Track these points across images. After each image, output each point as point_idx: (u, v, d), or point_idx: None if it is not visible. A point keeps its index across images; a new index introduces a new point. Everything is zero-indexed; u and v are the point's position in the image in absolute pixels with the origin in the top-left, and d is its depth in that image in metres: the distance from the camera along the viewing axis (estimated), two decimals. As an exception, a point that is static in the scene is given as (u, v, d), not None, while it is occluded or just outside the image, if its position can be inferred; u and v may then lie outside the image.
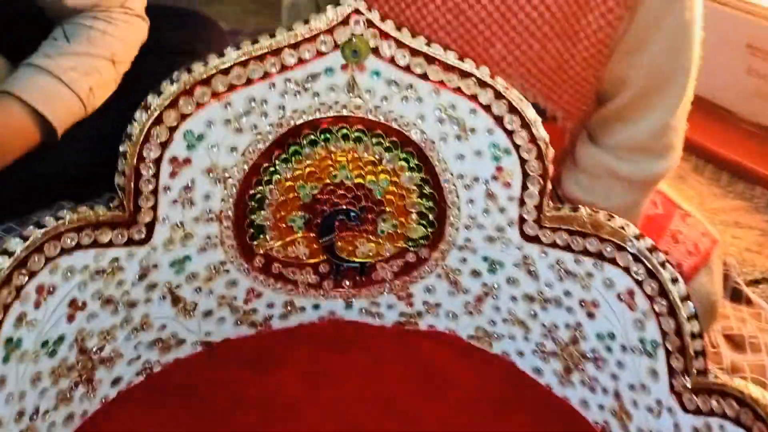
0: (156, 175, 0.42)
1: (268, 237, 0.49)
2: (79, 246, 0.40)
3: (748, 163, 1.07)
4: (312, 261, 0.51)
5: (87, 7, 0.81)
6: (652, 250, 0.41)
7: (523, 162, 0.45)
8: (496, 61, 0.53)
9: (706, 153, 1.05)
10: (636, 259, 0.42)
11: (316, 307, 0.53)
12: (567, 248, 0.45)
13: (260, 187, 0.47)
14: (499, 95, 0.43)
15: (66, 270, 0.40)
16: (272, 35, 0.41)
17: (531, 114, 0.43)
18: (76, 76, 0.77)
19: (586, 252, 0.45)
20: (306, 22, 0.42)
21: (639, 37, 0.54)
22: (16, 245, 0.36)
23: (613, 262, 0.44)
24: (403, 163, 0.47)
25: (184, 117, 0.42)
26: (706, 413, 0.39)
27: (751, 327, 0.71)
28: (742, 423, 0.36)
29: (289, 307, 0.53)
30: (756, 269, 0.86)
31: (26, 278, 0.37)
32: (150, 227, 0.44)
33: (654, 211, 0.69)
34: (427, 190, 0.48)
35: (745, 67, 1.13)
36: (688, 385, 0.40)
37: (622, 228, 0.43)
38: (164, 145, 0.42)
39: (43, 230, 0.38)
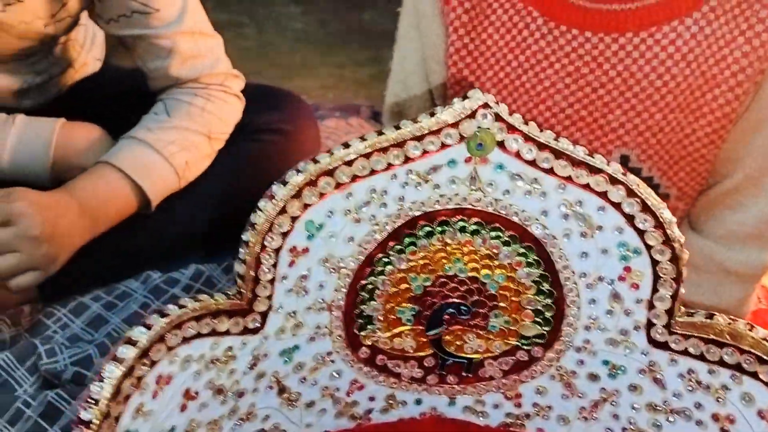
0: (275, 264, 0.42)
1: (375, 328, 0.48)
2: (198, 335, 0.39)
3: None
4: (418, 354, 0.49)
5: (189, 78, 0.84)
6: (803, 365, 0.38)
7: (654, 263, 0.42)
8: (613, 128, 0.52)
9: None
10: (784, 374, 0.39)
11: (418, 402, 0.51)
12: (701, 357, 0.42)
13: (372, 278, 0.46)
14: (631, 193, 0.41)
15: (184, 359, 0.39)
16: (397, 127, 0.41)
17: (667, 214, 0.41)
18: (175, 149, 0.80)
19: (722, 363, 0.41)
20: (432, 114, 0.41)
21: (760, 115, 0.52)
22: (141, 335, 0.36)
23: (754, 375, 0.40)
24: (521, 258, 0.45)
25: (306, 207, 0.41)
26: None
27: None
28: None
29: (390, 401, 0.51)
30: None
31: (147, 368, 0.37)
32: (264, 316, 0.43)
33: (758, 305, 0.65)
34: (545, 286, 0.46)
35: None
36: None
37: (766, 339, 0.40)
38: (285, 235, 0.41)
39: (166, 319, 0.37)
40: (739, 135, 0.53)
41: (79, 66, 0.92)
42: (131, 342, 0.36)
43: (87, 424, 0.33)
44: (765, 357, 0.40)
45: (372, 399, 0.50)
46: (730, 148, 0.54)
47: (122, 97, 0.96)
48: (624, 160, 0.55)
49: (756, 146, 0.53)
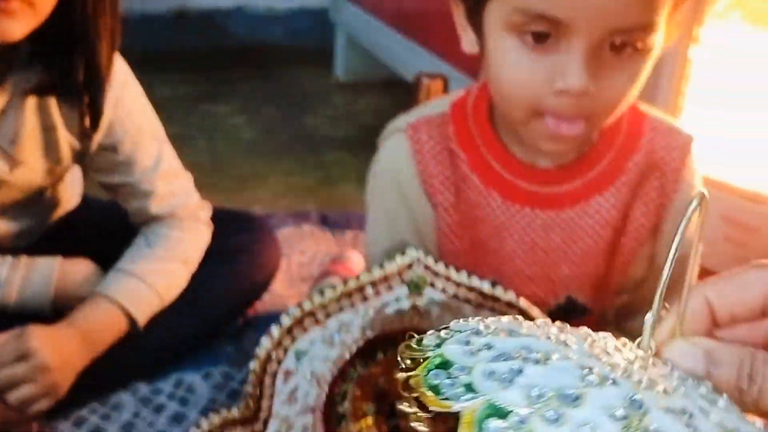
0: (273, 384, 0.57)
1: (347, 422, 0.63)
2: None
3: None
4: (380, 440, 0.65)
5: (166, 215, 0.99)
6: None
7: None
8: (561, 279, 0.69)
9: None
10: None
11: (383, 479, 0.66)
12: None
13: (344, 385, 0.61)
14: (522, 312, 0.59)
15: None
16: (357, 278, 0.58)
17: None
18: (156, 278, 0.94)
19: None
20: (381, 266, 0.58)
21: (656, 250, 0.70)
22: None
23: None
24: (452, 363, 0.62)
25: (294, 339, 0.57)
26: None
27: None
28: None
29: (361, 480, 0.65)
30: None
31: None
32: (266, 422, 0.58)
33: None
34: (471, 382, 0.62)
35: (721, 235, 1.31)
36: None
37: None
38: (280, 362, 0.57)
39: (199, 430, 0.52)
40: (638, 264, 0.72)
41: (65, 203, 1.05)
42: None
43: None
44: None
45: None
46: (631, 273, 0.72)
47: (101, 227, 1.09)
48: (569, 299, 0.73)
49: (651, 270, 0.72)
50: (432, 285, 0.59)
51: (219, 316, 1.08)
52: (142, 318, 0.94)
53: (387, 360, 0.62)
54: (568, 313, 0.73)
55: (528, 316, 0.58)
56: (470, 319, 0.55)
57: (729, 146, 1.25)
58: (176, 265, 0.98)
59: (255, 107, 2.47)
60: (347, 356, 0.60)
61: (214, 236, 1.06)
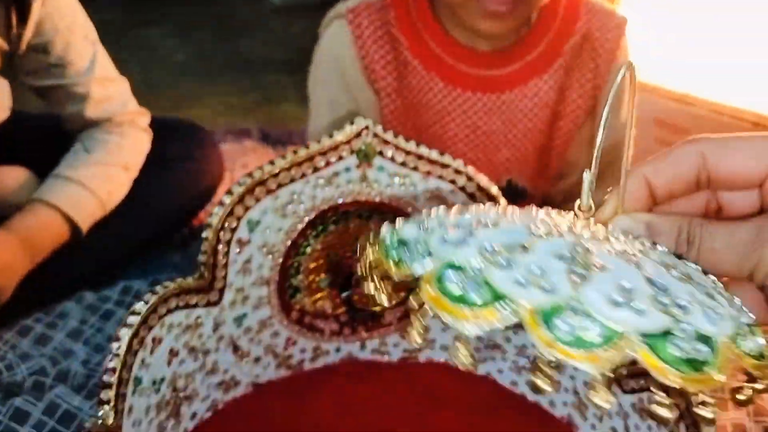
0: (227, 253, 0.57)
1: (301, 296, 0.64)
2: (177, 307, 0.54)
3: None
4: (335, 313, 0.66)
5: (102, 120, 0.97)
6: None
7: (490, 225, 0.62)
8: (501, 162, 0.71)
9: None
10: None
11: (337, 350, 0.68)
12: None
13: (297, 257, 0.62)
14: (470, 178, 0.60)
15: (168, 325, 0.54)
16: (307, 147, 0.58)
17: (495, 190, 0.60)
18: (97, 183, 0.93)
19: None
20: (330, 136, 0.58)
21: (591, 132, 0.73)
22: (142, 307, 0.50)
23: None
24: (402, 232, 0.64)
25: (247, 209, 0.57)
26: (638, 390, 0.55)
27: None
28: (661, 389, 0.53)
29: (317, 351, 0.67)
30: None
31: (146, 332, 0.51)
32: (221, 292, 0.58)
33: None
34: (420, 251, 0.64)
35: (653, 138, 1.37)
36: (625, 372, 0.56)
37: None
38: (233, 231, 0.57)
39: (157, 296, 0.52)
40: (576, 147, 0.75)
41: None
42: (135, 312, 0.50)
43: (113, 371, 0.47)
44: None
45: (303, 351, 0.66)
46: (570, 157, 0.75)
47: (35, 140, 1.06)
48: (510, 183, 0.75)
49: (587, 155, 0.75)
50: (381, 154, 0.60)
51: (164, 223, 1.07)
52: (84, 223, 0.92)
53: (339, 232, 0.63)
54: (509, 196, 0.75)
55: (475, 183, 0.60)
56: (417, 186, 0.56)
57: (658, 50, 1.28)
58: (116, 170, 0.96)
59: (188, 31, 2.39)
60: (299, 227, 0.61)
61: (154, 144, 1.05)
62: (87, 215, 0.91)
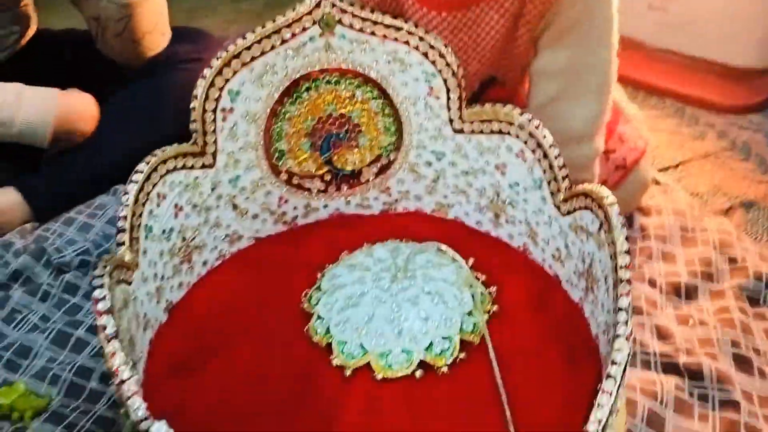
0: (214, 121, 0.66)
1: (287, 158, 0.74)
2: (176, 168, 0.64)
3: (656, 81, 1.32)
4: (319, 173, 0.76)
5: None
6: (529, 121, 0.66)
7: (445, 81, 0.69)
8: (474, 72, 0.76)
9: (624, 77, 1.30)
10: (521, 128, 0.67)
11: (325, 206, 0.77)
12: (482, 132, 0.70)
13: (278, 123, 0.71)
14: (422, 39, 0.67)
15: (170, 183, 0.64)
16: (273, 20, 0.66)
17: (447, 52, 0.67)
18: None
19: (493, 132, 0.69)
20: (293, 9, 0.66)
21: (554, 34, 0.73)
22: (144, 167, 0.61)
23: (509, 134, 0.68)
24: (369, 95, 0.72)
25: (227, 81, 0.66)
26: (573, 212, 0.63)
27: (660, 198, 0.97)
28: (591, 210, 0.60)
29: (307, 208, 0.77)
30: (664, 160, 1.13)
31: (151, 187, 0.61)
32: (214, 156, 0.68)
33: None
34: (387, 111, 0.72)
35: (646, 4, 1.38)
36: (562, 197, 0.64)
37: (509, 113, 0.67)
38: (217, 100, 0.66)
39: (156, 157, 0.62)
40: (547, 43, 0.76)
41: (33, 23, 1.09)
42: (139, 171, 0.60)
43: (124, 218, 0.58)
44: (512, 121, 0.67)
45: (295, 208, 0.76)
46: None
47: (57, 55, 1.15)
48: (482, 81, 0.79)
49: (562, 57, 0.75)
50: (341, 22, 0.67)
51: (179, 119, 1.16)
52: None
53: (312, 98, 0.71)
54: (485, 86, 0.81)
55: (427, 42, 0.67)
56: (376, 50, 0.63)
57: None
58: None
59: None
60: (276, 95, 0.69)
61: (168, 46, 1.12)
62: None
